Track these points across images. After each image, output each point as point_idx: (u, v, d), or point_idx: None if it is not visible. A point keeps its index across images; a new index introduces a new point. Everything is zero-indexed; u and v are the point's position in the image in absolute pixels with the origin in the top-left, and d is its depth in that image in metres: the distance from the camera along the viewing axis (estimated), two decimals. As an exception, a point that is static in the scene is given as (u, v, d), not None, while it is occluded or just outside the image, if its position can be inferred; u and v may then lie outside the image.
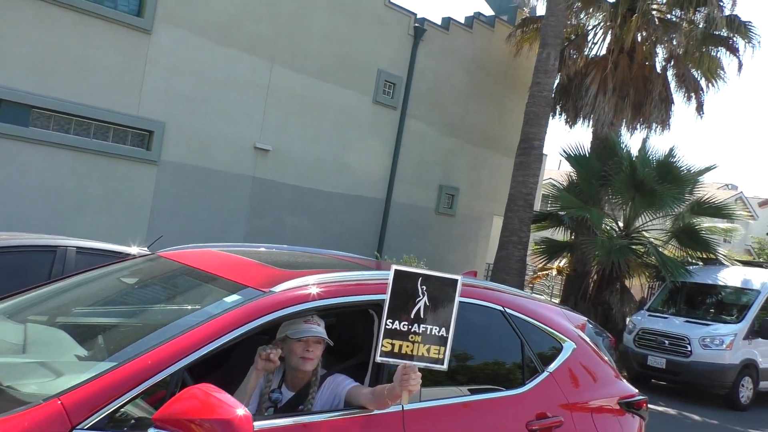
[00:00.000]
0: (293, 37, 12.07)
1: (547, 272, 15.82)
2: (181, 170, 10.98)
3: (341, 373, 2.78)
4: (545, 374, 3.37)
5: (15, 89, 9.10)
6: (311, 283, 2.65)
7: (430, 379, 2.84)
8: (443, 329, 2.46)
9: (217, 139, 11.34)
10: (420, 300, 2.43)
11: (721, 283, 12.32)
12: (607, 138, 14.18)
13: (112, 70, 10.00)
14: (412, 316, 2.42)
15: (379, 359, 2.41)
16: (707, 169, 13.87)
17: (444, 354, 2.46)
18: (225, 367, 3.13)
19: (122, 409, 2.04)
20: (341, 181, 13.22)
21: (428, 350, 2.44)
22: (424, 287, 2.43)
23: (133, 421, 2.07)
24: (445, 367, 2.47)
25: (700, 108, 15.19)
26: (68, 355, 2.56)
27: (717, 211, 13.94)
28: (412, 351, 2.42)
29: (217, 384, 2.34)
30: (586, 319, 4.19)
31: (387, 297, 2.39)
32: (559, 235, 15.09)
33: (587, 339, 3.88)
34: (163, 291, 3.08)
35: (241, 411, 1.97)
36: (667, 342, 11.23)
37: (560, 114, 15.62)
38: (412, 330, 2.42)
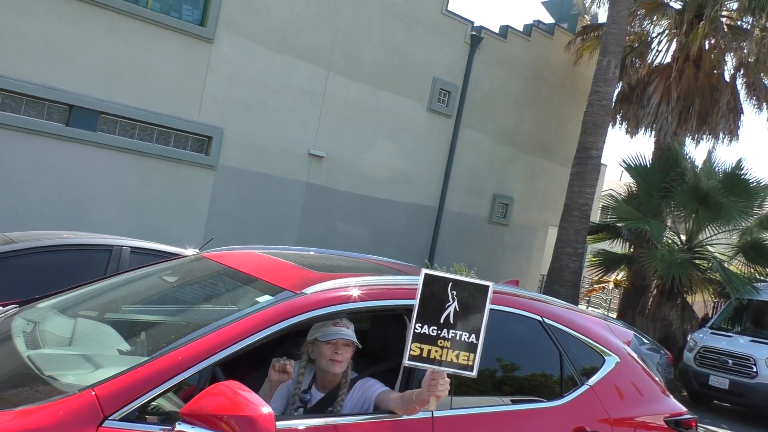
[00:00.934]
0: (349, 45, 12.22)
1: (603, 285, 15.39)
2: (238, 175, 11.27)
3: (372, 377, 2.79)
4: (585, 387, 3.28)
5: (84, 95, 9.56)
6: (343, 286, 2.67)
7: (463, 386, 2.81)
8: (473, 336, 2.42)
9: (273, 146, 11.58)
10: (450, 305, 2.40)
11: (791, 302, 11.68)
12: (670, 148, 13.70)
13: (175, 77, 10.37)
14: (441, 321, 2.40)
15: (406, 363, 2.39)
16: (779, 182, 13.21)
17: (473, 361, 2.42)
18: (263, 368, 3.19)
19: (153, 403, 2.11)
20: (394, 188, 13.26)
21: (457, 356, 2.41)
22: (455, 292, 2.40)
23: (162, 414, 2.13)
24: (474, 374, 2.43)
25: (771, 118, 14.51)
26: (111, 349, 2.67)
27: (789, 226, 13.25)
28: (440, 356, 2.39)
29: (253, 383, 2.39)
30: (633, 333, 4.07)
31: (416, 301, 2.38)
32: (617, 247, 14.66)
33: (633, 353, 3.75)
34: (201, 290, 3.17)
35: (266, 409, 2.00)
36: (730, 361, 10.71)
37: (620, 123, 15.20)
38: (441, 335, 2.39)
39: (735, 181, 12.86)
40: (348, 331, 2.65)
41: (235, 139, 11.15)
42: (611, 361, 3.50)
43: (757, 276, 13.06)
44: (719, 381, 10.70)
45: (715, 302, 15.92)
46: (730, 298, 12.16)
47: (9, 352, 2.47)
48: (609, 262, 14.13)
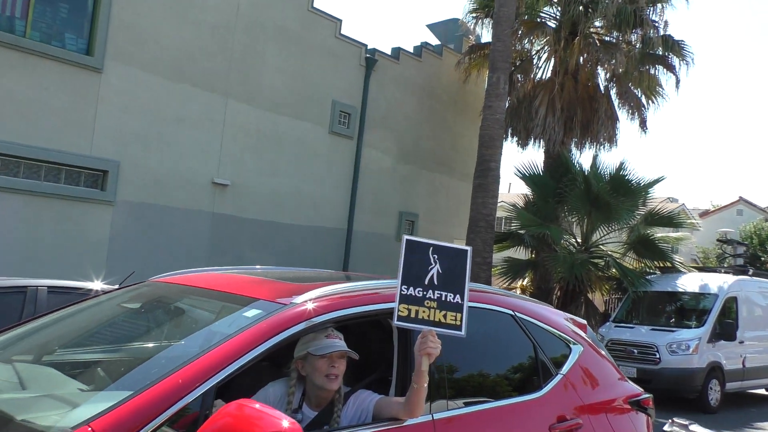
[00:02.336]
0: (246, 72, 11.99)
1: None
2: (138, 209, 10.63)
3: (365, 389, 2.66)
4: (559, 377, 3.34)
5: (-42, 133, 8.67)
6: (331, 294, 2.54)
7: (455, 385, 2.77)
8: (458, 296, 2.49)
9: (174, 177, 11.06)
10: (432, 268, 2.49)
11: (680, 290, 12.66)
12: (560, 156, 14.52)
13: (62, 110, 9.67)
14: (426, 283, 2.47)
15: (395, 323, 2.41)
16: (657, 181, 14.31)
17: (461, 320, 2.47)
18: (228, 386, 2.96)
19: (155, 434, 1.88)
20: (301, 213, 13.07)
21: (445, 316, 2.46)
22: (436, 256, 2.51)
23: (166, 446, 1.90)
24: (463, 333, 2.47)
25: (643, 124, 15.78)
26: (72, 388, 2.37)
27: (669, 220, 14.40)
28: (428, 316, 2.44)
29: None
30: (585, 322, 4.20)
31: (400, 264, 2.44)
32: (520, 254, 15.26)
33: (591, 341, 3.87)
34: (168, 314, 2.90)
35: (286, 423, 1.84)
36: (636, 351, 11.41)
37: (512, 136, 15.90)
38: (427, 296, 2.45)
39: (619, 182, 13.82)
40: (343, 343, 2.51)
41: (133, 172, 10.53)
42: (576, 350, 3.59)
43: (647, 269, 14.05)
44: (628, 370, 11.32)
45: (610, 298, 17.01)
46: (628, 292, 12.98)
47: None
48: (515, 269, 14.65)
